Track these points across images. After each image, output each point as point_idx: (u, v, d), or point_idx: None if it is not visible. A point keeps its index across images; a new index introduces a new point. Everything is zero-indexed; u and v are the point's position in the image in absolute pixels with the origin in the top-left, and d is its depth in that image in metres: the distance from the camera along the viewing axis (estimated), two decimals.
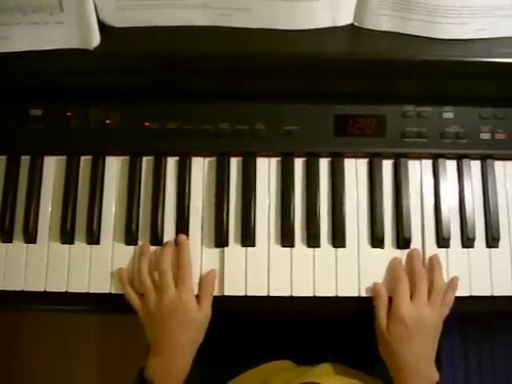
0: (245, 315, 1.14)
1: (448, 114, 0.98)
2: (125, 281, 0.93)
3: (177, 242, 0.95)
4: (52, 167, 1.00)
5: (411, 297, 0.90)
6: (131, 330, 1.88)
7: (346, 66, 0.89)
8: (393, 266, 0.94)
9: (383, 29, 0.87)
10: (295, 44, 0.87)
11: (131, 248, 0.96)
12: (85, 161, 1.00)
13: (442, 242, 0.96)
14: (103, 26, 0.87)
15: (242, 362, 1.06)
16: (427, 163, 0.99)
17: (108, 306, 0.98)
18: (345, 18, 0.87)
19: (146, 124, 0.97)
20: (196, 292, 0.93)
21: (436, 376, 0.88)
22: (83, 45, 0.86)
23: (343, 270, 0.95)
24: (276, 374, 1.01)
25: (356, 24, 0.88)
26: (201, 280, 0.93)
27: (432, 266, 0.93)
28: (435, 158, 0.99)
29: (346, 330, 1.15)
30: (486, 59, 0.88)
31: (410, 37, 0.87)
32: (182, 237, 0.94)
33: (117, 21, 0.87)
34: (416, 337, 0.87)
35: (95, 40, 0.86)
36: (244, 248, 0.96)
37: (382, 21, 0.86)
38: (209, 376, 1.15)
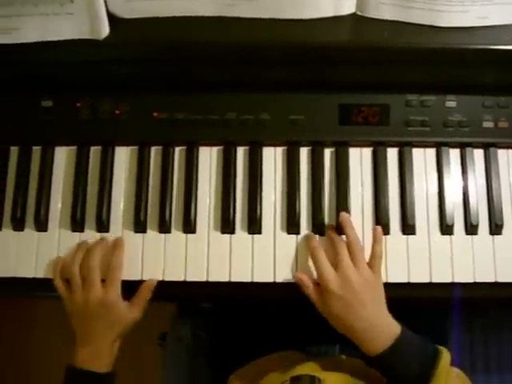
0: (251, 306, 1.16)
1: (451, 102, 0.99)
2: (56, 268, 0.96)
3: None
4: (63, 158, 1.02)
5: (335, 267, 0.89)
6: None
7: (348, 55, 0.91)
8: (306, 240, 0.95)
9: (385, 17, 0.89)
10: (299, 33, 0.89)
11: (140, 236, 0.98)
12: (94, 151, 1.02)
13: (446, 229, 0.97)
14: (112, 17, 0.89)
15: (249, 352, 1.07)
16: (431, 151, 1.00)
17: None
18: (347, 8, 0.89)
19: (155, 114, 1.00)
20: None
21: (397, 328, 0.87)
22: (93, 35, 0.88)
23: None
24: (281, 364, 1.02)
25: (358, 13, 0.90)
26: (140, 285, 0.95)
27: (342, 226, 0.94)
28: (438, 146, 1.00)
29: None
30: (487, 47, 0.89)
31: (412, 25, 0.88)
32: (119, 239, 0.97)
33: (125, 12, 0.89)
34: (354, 301, 0.86)
35: (104, 31, 0.88)
36: (251, 235, 0.97)
37: (384, 9, 0.88)
38: (216, 366, 1.17)
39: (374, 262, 0.91)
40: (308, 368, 0.94)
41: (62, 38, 0.88)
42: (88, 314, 0.92)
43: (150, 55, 0.92)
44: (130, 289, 0.95)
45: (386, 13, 0.88)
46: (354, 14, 0.90)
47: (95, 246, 0.95)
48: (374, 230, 0.94)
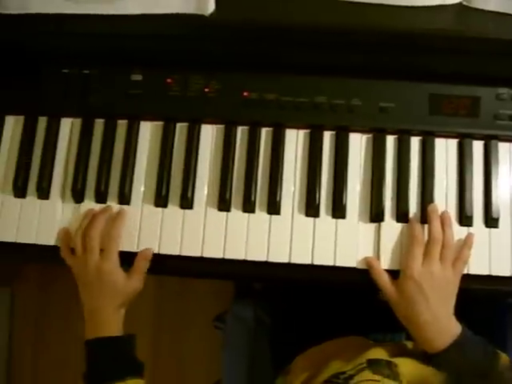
0: (315, 291, 1.16)
1: None
2: (63, 238, 0.98)
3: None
4: (148, 132, 1.02)
5: (424, 258, 0.91)
6: (187, 293, 1.95)
7: (452, 44, 0.91)
8: (412, 227, 0.95)
9: (491, 9, 0.89)
10: (404, 20, 0.89)
11: (224, 214, 0.98)
12: (180, 127, 1.02)
13: None
14: None
15: (313, 337, 1.07)
16: None
17: None
18: None
19: (245, 94, 0.99)
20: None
21: (458, 329, 0.88)
22: (198, 10, 0.88)
23: None
24: (346, 349, 1.03)
25: (464, 3, 0.90)
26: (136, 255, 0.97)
27: (443, 223, 0.94)
28: None
29: None
30: None
31: None
32: (122, 210, 0.98)
33: None
34: (431, 295, 0.88)
35: (210, 6, 0.88)
36: (335, 220, 0.98)
37: (491, 0, 0.88)
38: (277, 350, 1.17)
39: (458, 264, 0.92)
40: (378, 353, 0.95)
41: (167, 12, 0.88)
42: (89, 282, 0.94)
43: (253, 34, 0.92)
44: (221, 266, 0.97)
45: (493, 4, 0.88)
46: (460, 4, 0.89)
47: (97, 216, 0.97)
48: (468, 236, 0.95)
